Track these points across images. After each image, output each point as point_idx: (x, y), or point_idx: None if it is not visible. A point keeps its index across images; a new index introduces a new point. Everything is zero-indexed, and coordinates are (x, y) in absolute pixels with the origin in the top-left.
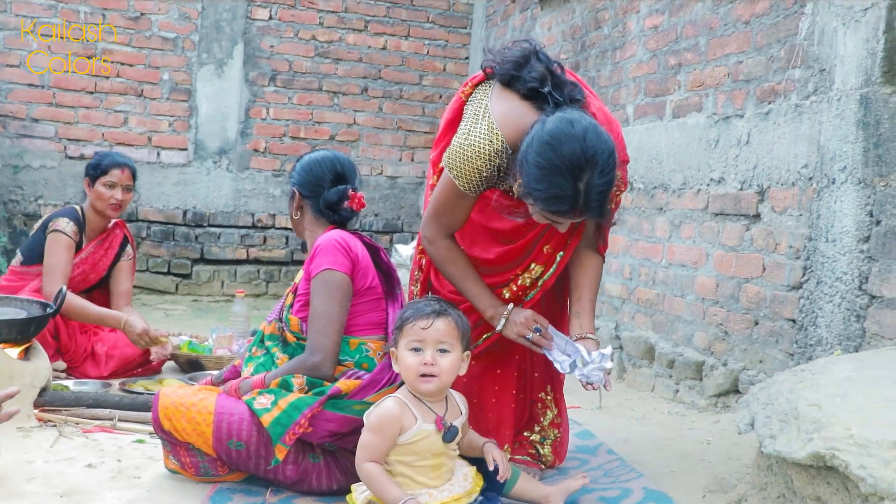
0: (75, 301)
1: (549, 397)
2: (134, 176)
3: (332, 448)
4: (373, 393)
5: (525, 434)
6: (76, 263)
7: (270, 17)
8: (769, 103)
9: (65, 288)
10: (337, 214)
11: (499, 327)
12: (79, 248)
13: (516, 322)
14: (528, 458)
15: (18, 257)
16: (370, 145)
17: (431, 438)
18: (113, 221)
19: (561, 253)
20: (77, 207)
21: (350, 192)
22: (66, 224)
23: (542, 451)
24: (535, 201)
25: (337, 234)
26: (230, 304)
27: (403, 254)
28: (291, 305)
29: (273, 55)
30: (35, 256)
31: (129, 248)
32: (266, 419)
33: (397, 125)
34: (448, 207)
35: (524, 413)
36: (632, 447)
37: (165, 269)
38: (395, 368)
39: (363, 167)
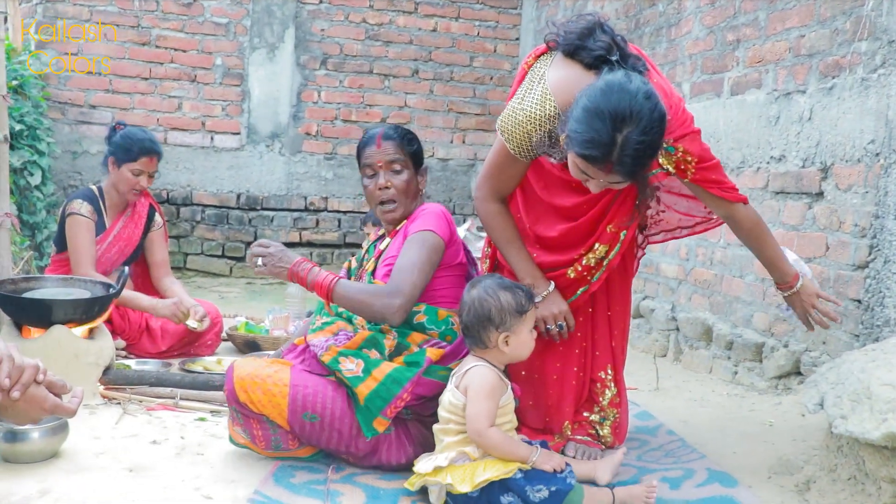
0: (133, 297)
1: (608, 376)
2: (159, 159)
3: (407, 416)
4: (454, 361)
5: (584, 415)
6: (111, 242)
7: (321, 1)
8: (833, 78)
9: (127, 269)
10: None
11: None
12: (102, 226)
13: (550, 306)
14: (588, 439)
15: (53, 247)
16: (421, 127)
17: (512, 400)
18: None
19: (624, 232)
20: (93, 187)
21: None
22: (80, 205)
23: (601, 433)
24: (571, 145)
25: (437, 205)
26: (283, 287)
27: None
28: (374, 272)
29: (324, 39)
30: (63, 242)
31: (157, 218)
32: (362, 391)
33: (448, 107)
34: (499, 170)
35: (584, 391)
36: (692, 428)
37: (220, 253)
38: None
39: None
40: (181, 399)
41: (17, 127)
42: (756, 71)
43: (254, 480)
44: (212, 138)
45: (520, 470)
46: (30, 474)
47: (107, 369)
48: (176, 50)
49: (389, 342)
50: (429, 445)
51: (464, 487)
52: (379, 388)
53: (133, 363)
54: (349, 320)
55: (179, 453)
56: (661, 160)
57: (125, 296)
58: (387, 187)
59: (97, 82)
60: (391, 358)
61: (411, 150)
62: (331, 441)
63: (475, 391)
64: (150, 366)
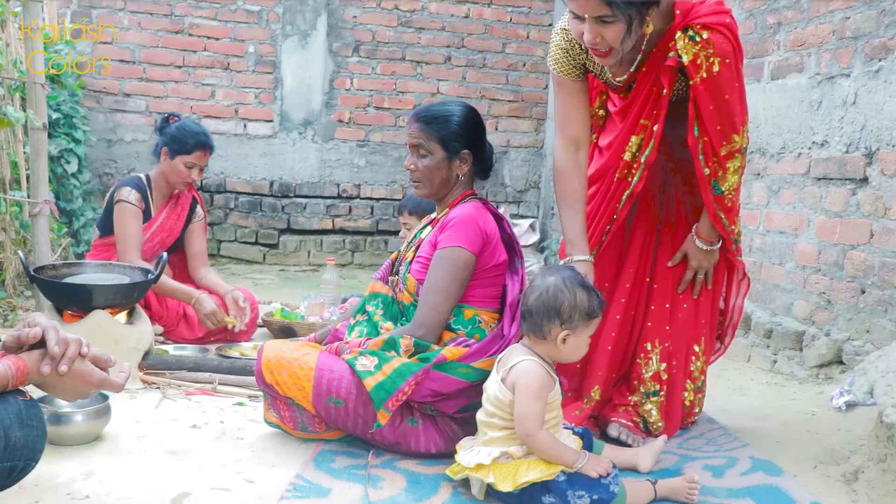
0: (172, 284)
1: (656, 349)
2: (211, 153)
3: (432, 412)
4: (480, 359)
5: (629, 398)
6: (154, 231)
7: None
8: (880, 60)
9: (165, 255)
10: (489, 172)
11: (562, 261)
12: (148, 215)
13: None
14: (632, 424)
15: (96, 232)
16: None
17: (559, 395)
18: None
19: (656, 126)
20: (142, 176)
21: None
22: (128, 193)
23: (650, 419)
24: None
25: (475, 208)
26: (317, 274)
27: None
28: (411, 262)
29: (356, 25)
30: (108, 227)
31: (199, 210)
32: (369, 383)
33: (481, 94)
34: (557, 104)
35: (622, 360)
36: (732, 417)
37: (253, 240)
38: None
39: None
40: (219, 384)
41: (54, 115)
42: (798, 55)
43: (294, 464)
44: (245, 126)
45: (563, 472)
46: (74, 456)
47: (146, 354)
48: (209, 38)
49: (406, 342)
50: (456, 441)
51: (505, 487)
52: (384, 381)
53: (171, 348)
54: (375, 324)
55: (219, 437)
56: (679, 44)
57: (170, 286)
58: (411, 169)
59: (131, 71)
60: (410, 357)
61: (439, 134)
62: (356, 427)
63: (524, 390)
64: (188, 351)
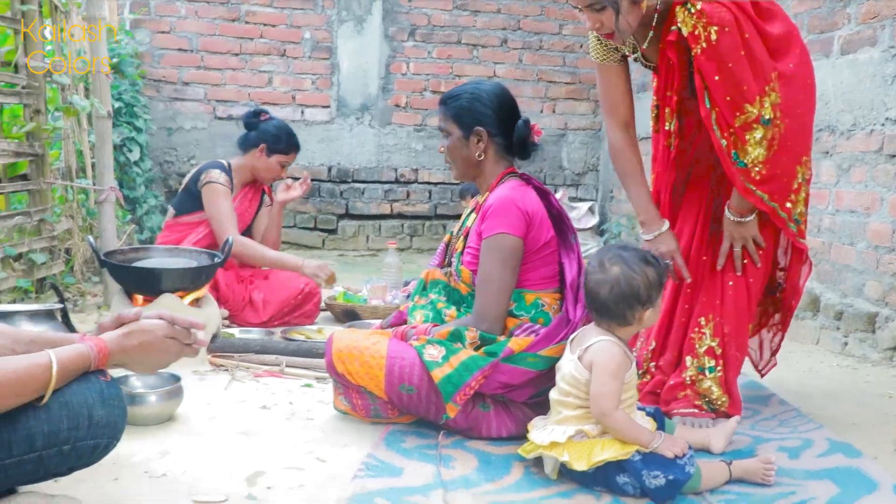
0: (255, 247)
1: (709, 324)
2: None
3: (502, 399)
4: (547, 346)
5: (684, 375)
6: None
7: None
8: None
9: (231, 238)
10: (525, 150)
11: (646, 237)
12: None
13: (660, 245)
14: (695, 410)
15: (171, 212)
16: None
17: (636, 375)
18: None
19: (676, 97)
20: (223, 162)
21: (531, 122)
22: (219, 175)
23: (713, 397)
24: None
25: (512, 188)
26: (375, 259)
27: None
28: (462, 253)
29: (411, 10)
30: (186, 208)
31: (266, 199)
32: (437, 374)
33: (538, 76)
34: (601, 89)
35: (670, 328)
36: (804, 399)
37: (312, 225)
38: None
39: None
40: (286, 366)
41: (116, 104)
42: (870, 28)
43: (365, 444)
44: (302, 112)
45: (638, 452)
46: (149, 436)
47: (214, 337)
48: (265, 25)
49: (472, 334)
50: (526, 423)
51: (580, 465)
52: (451, 374)
53: (237, 332)
54: (439, 311)
55: (289, 418)
56: (678, 18)
57: (251, 249)
58: (441, 151)
59: (189, 59)
60: (476, 349)
61: (452, 112)
62: (429, 412)
63: (601, 369)
64: (254, 334)
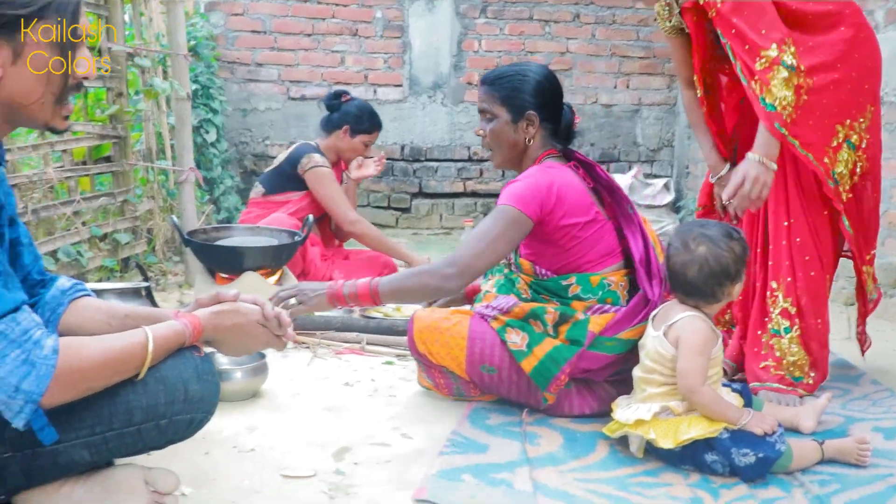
0: (373, 232)
1: (781, 286)
2: None
3: (583, 378)
4: (627, 328)
5: (762, 339)
6: (314, 197)
7: None
8: None
9: (311, 218)
10: (570, 136)
11: (712, 179)
12: None
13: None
14: (781, 386)
15: (260, 189)
16: (584, 73)
17: (721, 352)
18: None
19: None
20: (313, 143)
21: (572, 108)
22: (321, 159)
23: (794, 358)
24: None
25: (540, 170)
26: (449, 237)
27: (622, 183)
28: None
29: None
30: (278, 187)
31: (345, 178)
32: (526, 367)
33: (611, 51)
34: (672, 53)
35: (750, 297)
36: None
37: (385, 204)
38: None
39: (577, 96)
40: (367, 343)
41: (193, 87)
42: None
43: (450, 421)
44: (375, 91)
45: (726, 429)
46: (236, 412)
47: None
48: (337, 5)
49: (551, 315)
50: (610, 401)
51: (667, 444)
52: (539, 367)
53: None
54: (509, 286)
55: (372, 395)
56: None
57: (370, 233)
58: (480, 135)
59: (263, 41)
60: (557, 326)
61: (502, 95)
62: (510, 392)
63: (688, 345)
64: (334, 312)
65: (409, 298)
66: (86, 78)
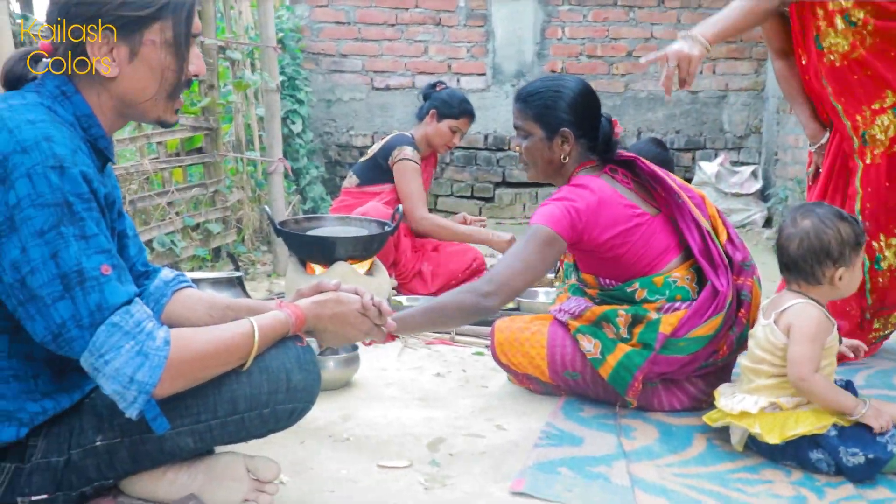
0: (443, 225)
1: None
2: (472, 122)
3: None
4: (698, 325)
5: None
6: None
7: None
8: None
9: (401, 208)
10: (609, 148)
11: (811, 148)
12: None
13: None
14: None
15: (354, 179)
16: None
17: (836, 342)
18: None
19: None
20: (409, 135)
21: (612, 119)
22: (412, 153)
23: None
24: None
25: (572, 187)
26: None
27: (708, 171)
28: (575, 262)
29: None
30: (371, 178)
31: (434, 170)
32: (603, 373)
33: None
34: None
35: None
36: None
37: (469, 194)
38: None
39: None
40: (456, 334)
41: (280, 78)
42: None
43: (542, 413)
44: (458, 80)
45: (834, 426)
46: (330, 401)
47: None
48: None
49: (623, 318)
50: (700, 396)
51: (772, 438)
52: (613, 375)
53: (404, 300)
54: (578, 291)
55: (464, 385)
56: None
57: (439, 223)
58: (517, 151)
59: (347, 32)
60: (630, 328)
61: (535, 112)
62: (597, 394)
63: (800, 332)
64: (421, 302)
65: (446, 320)
66: (196, 75)
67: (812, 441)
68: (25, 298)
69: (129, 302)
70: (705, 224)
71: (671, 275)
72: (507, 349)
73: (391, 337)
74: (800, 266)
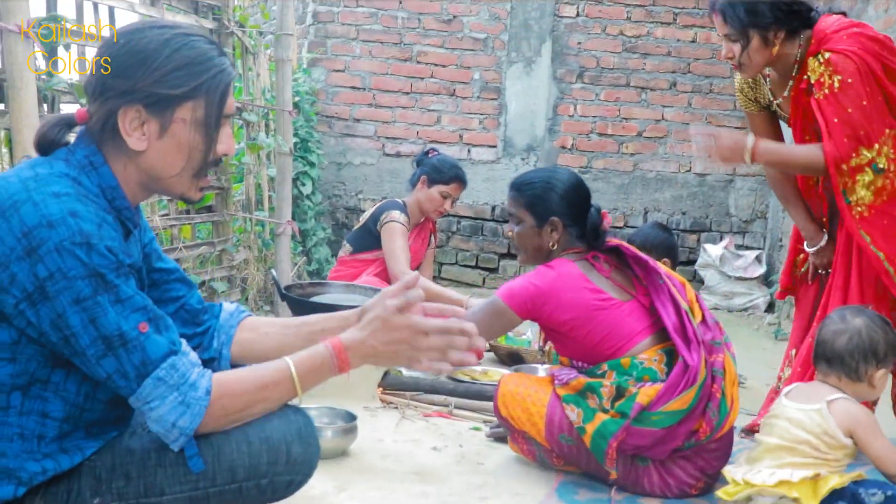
0: (433, 286)
1: None
2: (464, 188)
3: (647, 463)
4: (671, 400)
5: None
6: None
7: (578, 14)
8: None
9: (402, 272)
10: (597, 238)
11: (809, 249)
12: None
13: (822, 257)
14: None
15: (347, 248)
16: (678, 141)
17: None
18: None
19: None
20: (400, 201)
21: (601, 210)
22: (399, 215)
23: None
24: None
25: (537, 271)
26: None
27: (713, 254)
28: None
29: (581, 52)
30: (363, 245)
31: (432, 239)
32: (585, 440)
33: (707, 120)
34: (751, 129)
35: None
36: None
37: (473, 263)
38: None
39: (671, 164)
40: (455, 407)
41: (292, 140)
42: None
43: (537, 493)
44: (469, 151)
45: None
46: (325, 470)
47: (385, 374)
48: (436, 65)
49: (607, 389)
50: (691, 482)
51: (810, 502)
52: (592, 443)
53: (403, 370)
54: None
55: (460, 461)
56: (810, 66)
57: (430, 288)
58: (509, 236)
59: (361, 97)
60: (613, 401)
61: (527, 202)
62: (589, 465)
63: (869, 431)
64: (421, 373)
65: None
66: (226, 155)
67: (833, 494)
68: (71, 354)
69: (174, 353)
70: (683, 304)
71: (638, 356)
72: (510, 402)
73: (479, 354)
74: (845, 361)
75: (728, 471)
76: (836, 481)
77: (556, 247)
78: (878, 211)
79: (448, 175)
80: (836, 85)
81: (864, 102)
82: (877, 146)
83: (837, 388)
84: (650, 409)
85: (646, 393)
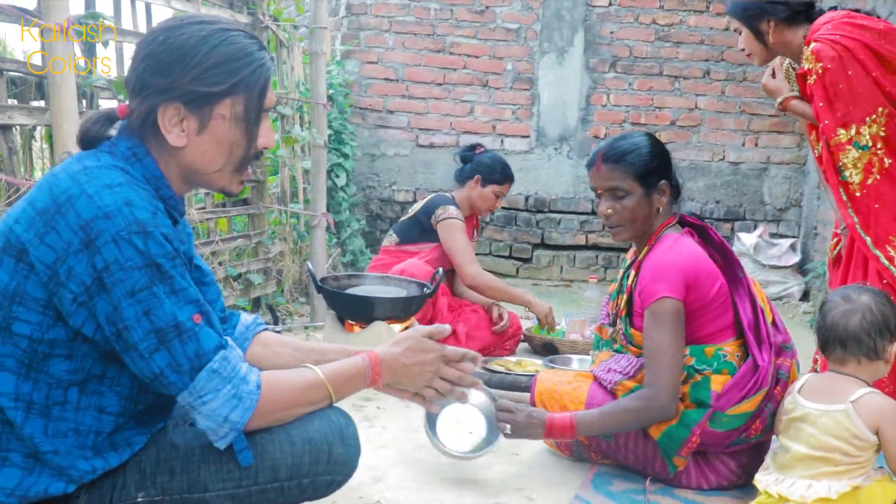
0: (495, 284)
1: None
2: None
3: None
4: (741, 402)
5: None
6: (443, 250)
7: (610, 3)
8: None
9: (441, 270)
10: (679, 194)
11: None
12: None
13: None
14: None
15: (394, 238)
16: (712, 130)
17: None
18: None
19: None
20: (450, 195)
21: None
22: (456, 212)
23: None
24: None
25: (669, 247)
26: (569, 290)
27: (747, 242)
28: (629, 316)
29: (613, 41)
30: (411, 237)
31: (475, 233)
32: (654, 432)
33: (740, 109)
34: None
35: None
36: None
37: (507, 254)
38: None
39: (704, 153)
40: None
41: (327, 132)
42: None
43: (572, 484)
44: (502, 142)
45: None
46: (361, 461)
47: None
48: (469, 56)
49: None
50: (730, 476)
51: None
52: (669, 430)
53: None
54: (620, 349)
55: (495, 452)
56: (803, 55)
57: (488, 282)
58: (609, 214)
59: (395, 89)
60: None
61: (636, 171)
62: (627, 459)
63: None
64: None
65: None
66: (266, 148)
67: None
68: (122, 349)
69: (223, 346)
70: (760, 303)
71: (723, 348)
72: (546, 399)
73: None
74: (862, 340)
75: (759, 480)
76: (879, 500)
77: (661, 211)
78: (870, 191)
79: (502, 175)
80: (820, 71)
81: (841, 86)
82: (854, 126)
83: (854, 377)
84: (721, 408)
85: (718, 380)
